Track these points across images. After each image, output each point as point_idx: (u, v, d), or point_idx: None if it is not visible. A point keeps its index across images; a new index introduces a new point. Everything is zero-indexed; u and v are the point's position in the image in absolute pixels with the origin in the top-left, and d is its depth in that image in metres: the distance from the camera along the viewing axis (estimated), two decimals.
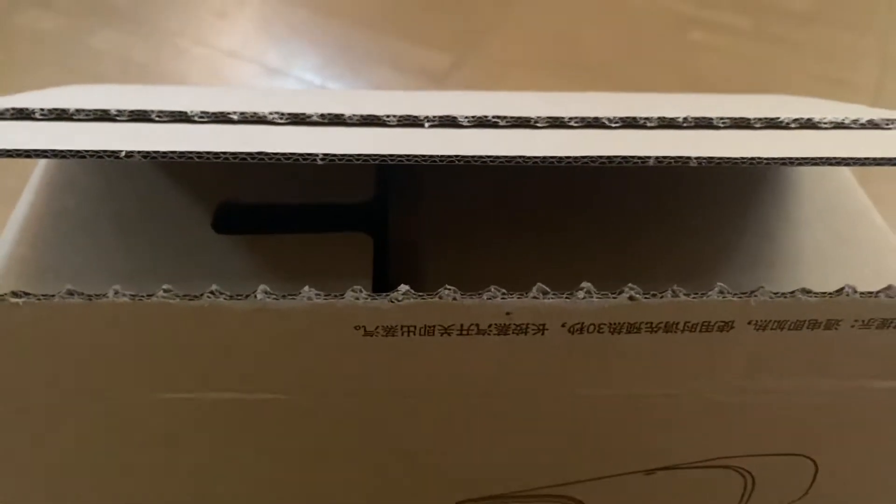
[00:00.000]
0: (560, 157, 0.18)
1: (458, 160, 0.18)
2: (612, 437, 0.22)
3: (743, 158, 0.18)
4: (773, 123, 0.22)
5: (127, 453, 0.21)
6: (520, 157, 0.18)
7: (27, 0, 0.68)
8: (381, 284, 0.25)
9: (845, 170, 0.28)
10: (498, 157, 0.18)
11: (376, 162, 0.18)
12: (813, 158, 0.19)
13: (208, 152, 0.17)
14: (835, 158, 0.19)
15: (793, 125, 0.22)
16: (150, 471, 0.21)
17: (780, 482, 0.24)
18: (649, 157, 0.18)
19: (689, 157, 0.18)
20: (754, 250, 0.26)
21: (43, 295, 0.17)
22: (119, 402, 0.19)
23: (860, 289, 0.18)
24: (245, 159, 0.17)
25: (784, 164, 0.18)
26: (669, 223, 0.26)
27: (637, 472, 0.23)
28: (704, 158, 0.18)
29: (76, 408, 0.19)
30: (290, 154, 0.17)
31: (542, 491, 0.23)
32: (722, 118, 0.22)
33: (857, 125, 0.22)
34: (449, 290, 0.17)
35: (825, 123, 0.22)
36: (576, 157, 0.18)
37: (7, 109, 0.20)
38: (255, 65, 0.63)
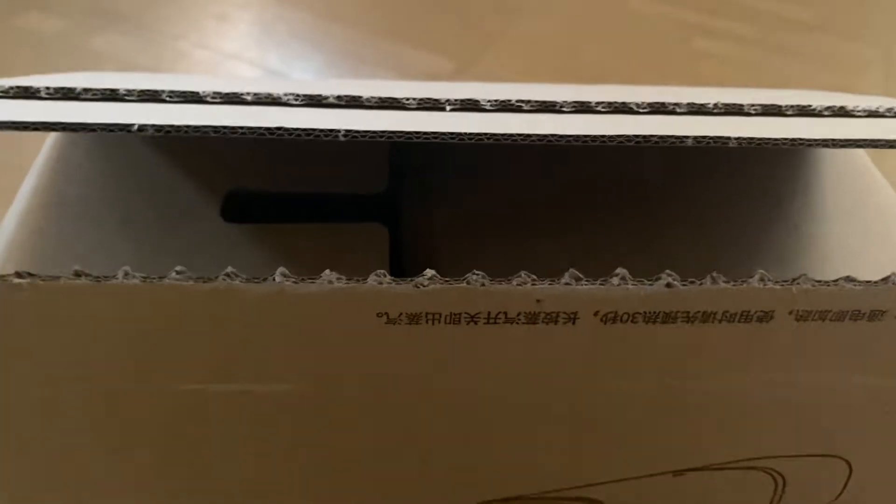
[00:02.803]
0: (594, 136, 0.17)
1: (487, 138, 0.17)
2: (642, 435, 0.21)
3: (783, 140, 0.17)
4: (805, 111, 0.21)
5: (132, 445, 0.20)
6: (552, 135, 0.17)
7: (27, 2, 0.67)
8: (398, 276, 0.24)
9: (871, 165, 0.28)
10: (528, 136, 0.17)
11: (400, 139, 0.17)
12: (853, 140, 0.18)
13: (224, 126, 0.16)
14: (876, 140, 0.18)
15: (826, 112, 0.21)
16: (156, 463, 0.20)
17: (812, 484, 0.23)
18: (688, 137, 0.17)
19: (728, 138, 0.17)
20: (782, 244, 0.25)
21: (48, 276, 0.16)
22: (126, 389, 0.18)
23: None
24: (263, 134, 0.16)
25: (824, 146, 0.18)
26: (694, 216, 0.25)
27: (665, 473, 0.22)
28: (744, 139, 0.17)
29: (78, 396, 0.18)
30: (311, 130, 0.16)
31: (565, 493, 0.22)
32: (753, 105, 0.21)
33: (891, 114, 0.22)
34: (477, 275, 0.17)
35: (859, 111, 0.21)
36: (611, 136, 0.17)
37: (11, 87, 0.19)
38: (256, 67, 0.63)
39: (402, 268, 0.24)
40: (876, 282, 0.17)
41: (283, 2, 0.71)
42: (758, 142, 0.17)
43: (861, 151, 0.28)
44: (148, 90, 0.19)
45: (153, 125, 0.16)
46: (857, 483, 0.23)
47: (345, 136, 0.16)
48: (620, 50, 0.69)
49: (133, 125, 0.16)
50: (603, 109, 0.20)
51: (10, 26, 0.65)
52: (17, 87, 0.19)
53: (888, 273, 0.24)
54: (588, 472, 0.22)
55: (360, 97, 0.20)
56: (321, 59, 0.65)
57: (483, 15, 0.71)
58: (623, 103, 0.21)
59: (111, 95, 0.19)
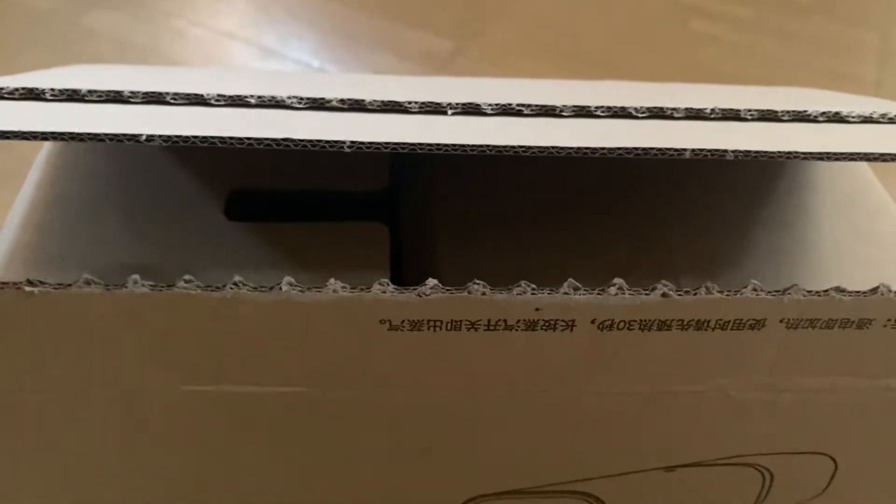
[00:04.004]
0: (594, 148, 0.17)
1: (489, 150, 0.17)
2: (635, 433, 0.21)
3: (780, 153, 0.18)
4: (800, 116, 0.22)
5: (143, 446, 0.20)
6: (552, 147, 0.17)
7: None
8: (398, 275, 0.24)
9: (865, 165, 0.28)
10: (530, 148, 0.17)
11: (404, 150, 0.17)
12: (849, 154, 0.18)
13: (232, 138, 0.16)
14: (870, 154, 0.18)
15: (821, 118, 0.22)
16: (166, 465, 0.21)
17: (799, 480, 0.23)
18: (685, 150, 0.17)
19: (725, 150, 0.17)
20: (774, 243, 0.25)
21: (59, 283, 0.16)
22: (136, 394, 0.18)
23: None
24: (270, 145, 0.17)
25: (820, 159, 0.18)
26: (689, 215, 0.26)
27: (657, 469, 0.22)
28: (741, 152, 0.18)
29: (90, 400, 0.19)
30: (317, 141, 0.17)
31: (561, 487, 0.23)
32: (749, 110, 0.21)
33: (885, 119, 0.22)
34: (478, 284, 0.17)
35: (853, 117, 0.22)
36: (611, 149, 0.17)
37: (17, 89, 0.19)
38: (252, 46, 0.62)
39: (402, 267, 0.24)
40: (865, 292, 0.18)
41: None
42: (754, 154, 0.18)
43: None
44: (152, 92, 0.20)
45: (161, 135, 0.16)
46: (841, 479, 0.23)
47: (350, 147, 0.17)
48: (618, 31, 0.68)
49: (141, 135, 0.16)
50: (602, 114, 0.21)
51: (3, 3, 0.64)
52: (23, 88, 0.19)
53: (880, 273, 0.25)
54: (582, 468, 0.22)
55: (362, 101, 0.20)
56: (317, 38, 0.64)
57: None
58: (622, 108, 0.21)
59: (116, 98, 0.20)
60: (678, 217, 0.26)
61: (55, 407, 0.19)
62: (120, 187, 0.24)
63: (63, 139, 0.16)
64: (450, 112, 0.20)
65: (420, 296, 0.17)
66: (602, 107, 0.21)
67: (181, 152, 0.25)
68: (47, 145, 0.25)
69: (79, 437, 0.20)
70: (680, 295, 0.17)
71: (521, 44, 0.66)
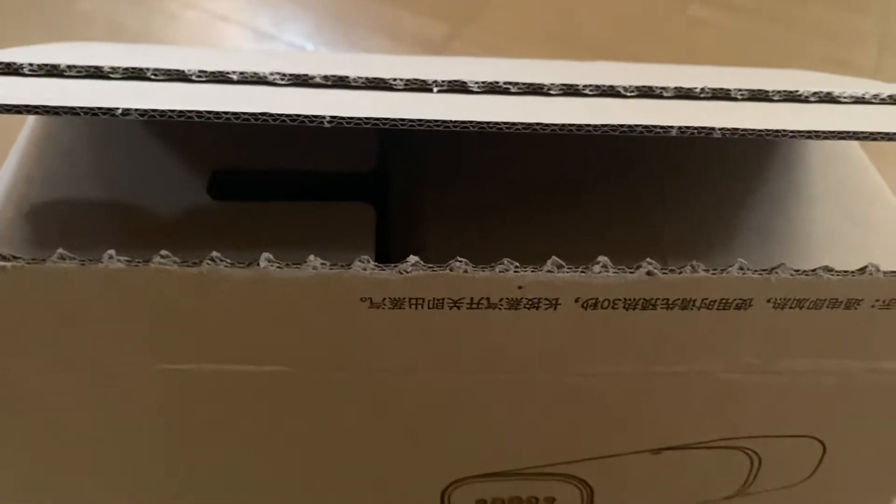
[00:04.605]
0: (580, 125, 0.17)
1: (473, 126, 0.17)
2: (620, 415, 0.21)
3: (767, 130, 0.17)
4: (791, 96, 0.21)
5: (120, 427, 0.20)
6: (536, 124, 0.17)
7: None
8: (384, 256, 0.24)
9: (858, 149, 0.28)
10: (514, 125, 0.17)
11: (385, 126, 0.17)
12: (839, 132, 0.18)
13: (209, 111, 0.16)
14: (860, 133, 0.18)
15: (812, 98, 0.21)
16: (144, 445, 0.21)
17: (787, 463, 0.23)
18: (672, 127, 0.17)
19: (712, 128, 0.17)
20: (766, 226, 0.25)
21: (32, 259, 0.16)
22: (112, 372, 0.18)
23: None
24: (248, 120, 0.16)
25: (808, 137, 0.18)
26: (680, 197, 0.26)
27: (643, 452, 0.22)
28: (728, 129, 0.17)
29: (66, 378, 0.18)
30: (296, 115, 0.16)
31: (546, 469, 0.23)
32: (740, 90, 0.21)
33: (877, 100, 0.22)
34: (460, 262, 0.17)
35: (845, 98, 0.21)
36: (596, 126, 0.17)
37: None
38: (246, 29, 0.62)
39: (388, 248, 0.24)
40: (853, 272, 0.18)
41: None
42: (742, 132, 0.17)
43: None
44: (132, 68, 0.19)
45: (137, 109, 0.16)
46: (829, 463, 0.23)
47: (329, 122, 0.16)
48: (616, 16, 0.68)
49: (117, 109, 0.16)
50: (590, 93, 0.20)
51: None
52: (1, 63, 0.19)
53: (870, 257, 0.24)
54: (567, 450, 0.22)
55: (346, 77, 0.20)
56: (312, 21, 0.64)
57: None
58: (611, 87, 0.20)
59: (96, 73, 0.19)
60: (669, 195, 0.25)
61: (29, 384, 0.18)
62: (103, 167, 0.24)
63: (38, 112, 0.16)
64: (435, 90, 0.20)
65: (401, 273, 0.16)
66: (591, 85, 0.20)
67: (165, 132, 0.25)
68: (28, 123, 0.24)
69: (52, 416, 0.19)
70: (665, 273, 0.17)
71: (516, 28, 0.65)
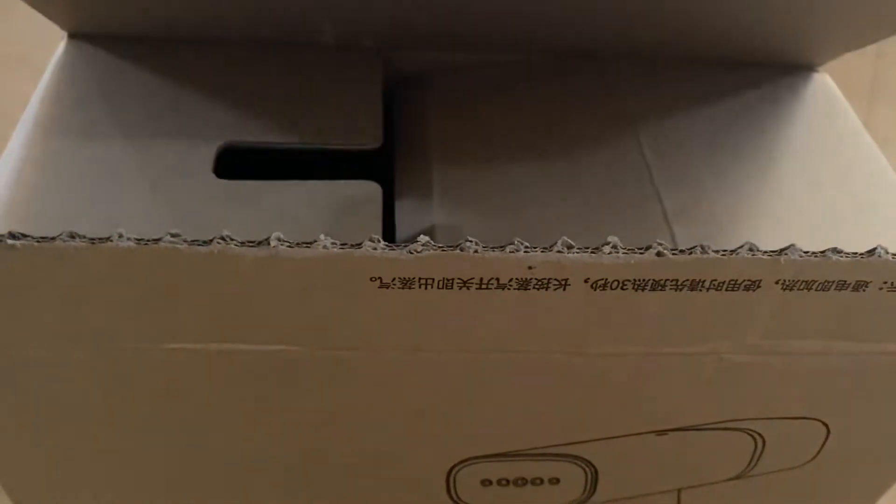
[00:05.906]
0: None
1: None
2: (627, 396, 0.21)
3: None
4: None
5: (126, 406, 0.20)
6: None
7: None
8: (391, 235, 0.24)
9: (866, 133, 0.28)
10: None
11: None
12: None
13: None
14: None
15: None
16: (150, 424, 0.21)
17: (791, 445, 0.23)
18: None
19: None
20: (774, 208, 0.25)
21: (42, 237, 0.16)
22: (120, 351, 0.18)
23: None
24: None
25: None
26: (687, 181, 0.26)
27: (649, 433, 0.22)
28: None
29: (73, 357, 0.18)
30: None
31: (552, 450, 0.23)
32: None
33: None
34: (470, 241, 0.17)
35: None
36: None
37: None
38: None
39: (394, 226, 0.24)
40: (862, 254, 0.18)
41: None
42: None
43: (856, 118, 0.28)
44: None
45: None
46: (833, 445, 0.23)
47: None
48: None
49: None
50: None
51: None
52: None
53: (876, 240, 0.25)
54: (573, 431, 0.22)
55: None
56: None
57: None
58: None
59: None
60: (676, 182, 0.25)
61: (37, 364, 0.18)
62: (106, 145, 0.24)
63: None
64: None
65: (411, 253, 0.16)
66: None
67: (169, 108, 0.25)
68: (32, 102, 0.24)
69: (58, 394, 0.19)
70: (675, 254, 0.17)
71: None
